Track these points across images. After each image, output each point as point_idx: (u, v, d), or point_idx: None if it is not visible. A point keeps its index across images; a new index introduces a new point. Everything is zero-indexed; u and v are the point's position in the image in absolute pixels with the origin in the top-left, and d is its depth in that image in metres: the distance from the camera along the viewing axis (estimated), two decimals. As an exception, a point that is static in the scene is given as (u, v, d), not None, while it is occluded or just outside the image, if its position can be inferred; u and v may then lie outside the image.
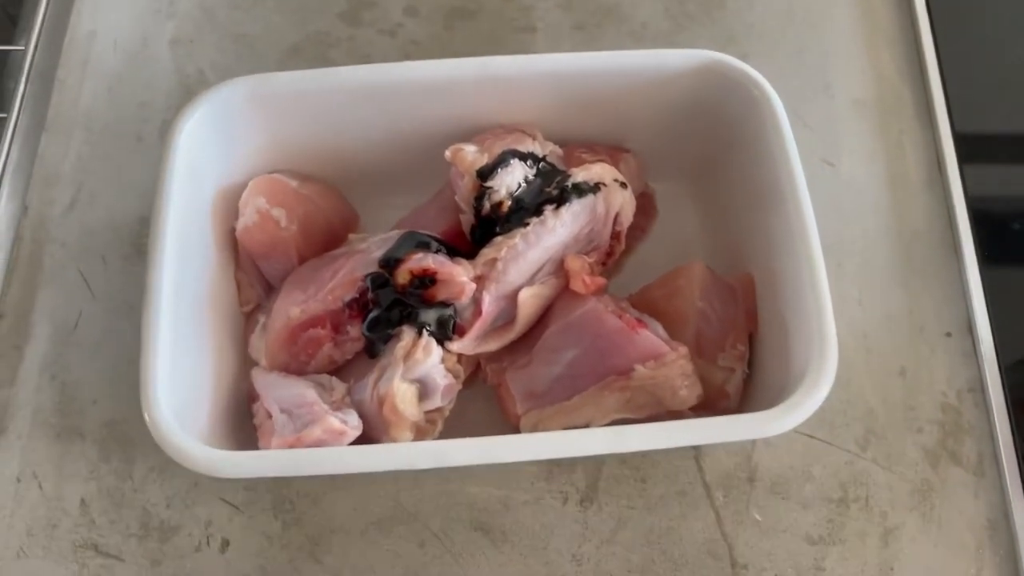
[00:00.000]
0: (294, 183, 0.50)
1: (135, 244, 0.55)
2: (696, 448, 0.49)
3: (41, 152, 0.58)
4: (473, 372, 0.48)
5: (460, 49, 0.62)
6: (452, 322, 0.45)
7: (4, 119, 0.58)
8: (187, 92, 0.60)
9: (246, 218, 0.48)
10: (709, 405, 0.46)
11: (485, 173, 0.46)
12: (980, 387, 0.51)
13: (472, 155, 0.47)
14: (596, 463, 0.49)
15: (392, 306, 0.45)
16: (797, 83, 0.60)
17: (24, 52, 0.60)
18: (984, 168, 0.57)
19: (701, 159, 0.53)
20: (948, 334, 0.52)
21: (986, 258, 0.53)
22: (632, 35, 0.63)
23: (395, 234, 0.47)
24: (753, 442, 0.49)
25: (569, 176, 0.47)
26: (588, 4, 0.64)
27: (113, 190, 0.56)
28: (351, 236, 0.50)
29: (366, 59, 0.61)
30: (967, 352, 0.52)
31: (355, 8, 0.63)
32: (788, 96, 0.48)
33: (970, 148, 0.57)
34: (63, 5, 0.62)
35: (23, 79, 0.59)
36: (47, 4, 0.62)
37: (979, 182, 0.56)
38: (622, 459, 0.49)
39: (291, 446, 0.41)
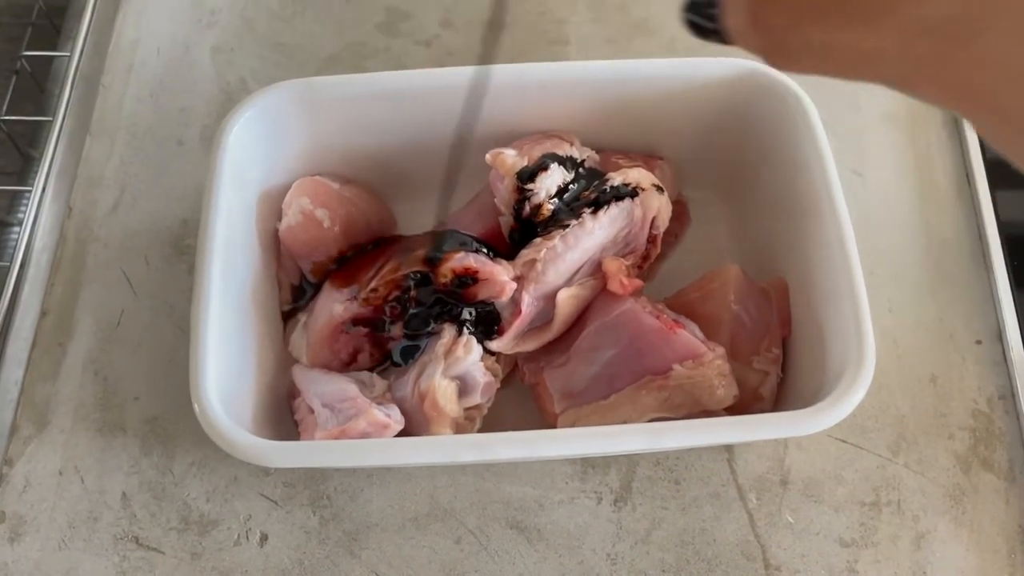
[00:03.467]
0: (336, 185, 0.51)
1: (176, 245, 0.56)
2: (729, 451, 0.50)
3: (85, 155, 0.59)
4: (510, 372, 0.49)
5: (494, 60, 0.63)
6: (493, 321, 0.46)
7: (50, 123, 0.59)
8: (228, 99, 0.61)
9: (290, 218, 0.49)
10: (743, 408, 0.46)
11: (525, 176, 0.47)
12: (1011, 394, 0.51)
13: (512, 158, 0.48)
14: (630, 464, 0.49)
15: (433, 304, 0.46)
16: (825, 96, 0.61)
17: (69, 59, 0.61)
18: (1013, 178, 0.57)
19: (734, 167, 0.54)
20: (978, 342, 0.53)
21: (1015, 267, 0.54)
22: (662, 48, 0.64)
23: (435, 233, 0.48)
24: (785, 445, 0.50)
25: (607, 180, 0.48)
26: (618, 18, 0.65)
27: (155, 192, 0.58)
28: (391, 237, 0.51)
29: (402, 69, 0.62)
30: (997, 360, 0.52)
31: (392, 19, 0.64)
32: (818, 109, 0.49)
33: (998, 160, 0.58)
34: (108, 14, 0.64)
35: (68, 84, 0.60)
36: (92, 13, 0.63)
37: (1008, 192, 0.57)
38: (656, 460, 0.49)
39: (335, 439, 0.42)
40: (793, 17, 0.25)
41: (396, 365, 0.47)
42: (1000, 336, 0.53)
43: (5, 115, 0.60)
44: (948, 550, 0.47)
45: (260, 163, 0.50)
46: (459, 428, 0.45)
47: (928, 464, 0.49)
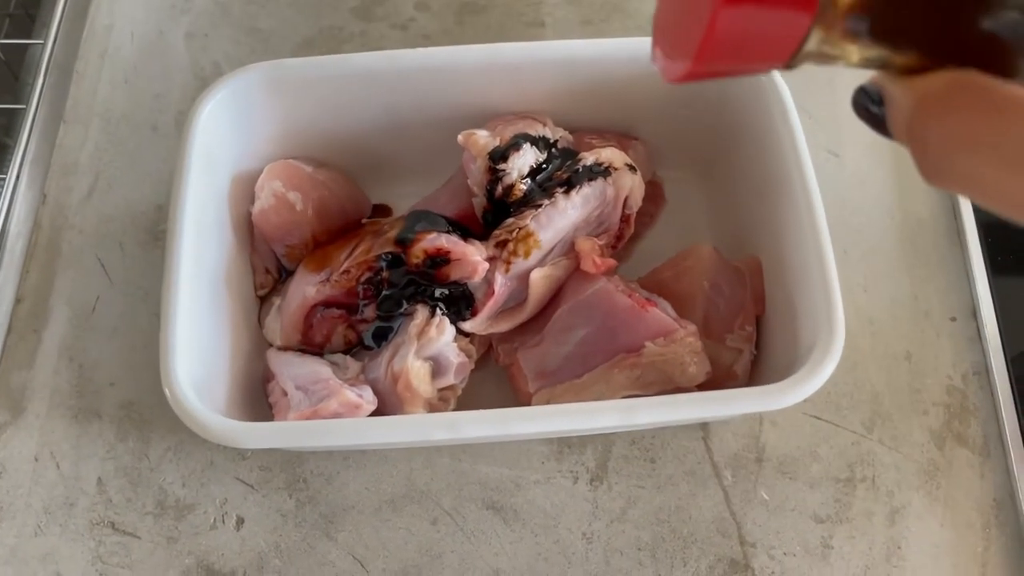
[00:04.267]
0: (309, 168, 0.51)
1: (151, 231, 0.56)
2: (704, 429, 0.50)
3: (59, 142, 0.59)
4: (484, 353, 0.49)
5: (470, 43, 0.62)
6: (466, 301, 0.46)
7: (23, 110, 0.59)
8: (202, 84, 0.61)
9: (262, 201, 0.49)
10: (717, 386, 0.47)
11: (497, 156, 0.47)
12: (985, 370, 0.51)
13: (484, 139, 0.48)
14: (606, 443, 0.49)
15: (405, 286, 0.46)
16: (800, 76, 0.61)
17: (42, 46, 0.61)
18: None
19: (708, 148, 0.54)
20: (953, 319, 0.53)
21: (990, 244, 0.54)
22: (639, 29, 0.64)
23: (407, 215, 0.48)
24: (760, 423, 0.50)
25: (580, 159, 0.48)
26: (595, 0, 0.65)
27: (129, 178, 0.57)
28: (364, 220, 0.51)
29: (377, 52, 0.62)
30: (971, 336, 0.52)
31: (367, 3, 0.64)
32: (792, 89, 0.49)
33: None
34: (82, 1, 0.64)
35: (42, 72, 0.60)
36: (66, 0, 0.63)
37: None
38: (631, 439, 0.50)
39: (308, 419, 0.42)
40: (945, 141, 0.25)
41: (368, 349, 0.47)
42: (974, 313, 0.53)
43: (-22, 104, 0.60)
44: (923, 525, 0.48)
45: (232, 147, 0.49)
46: (433, 409, 0.45)
47: (902, 440, 0.50)
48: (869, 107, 0.28)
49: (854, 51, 0.26)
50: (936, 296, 0.54)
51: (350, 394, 0.42)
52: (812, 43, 0.25)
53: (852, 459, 0.49)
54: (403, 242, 0.46)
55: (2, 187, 0.56)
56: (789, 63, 0.26)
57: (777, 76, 0.49)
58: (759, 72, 0.29)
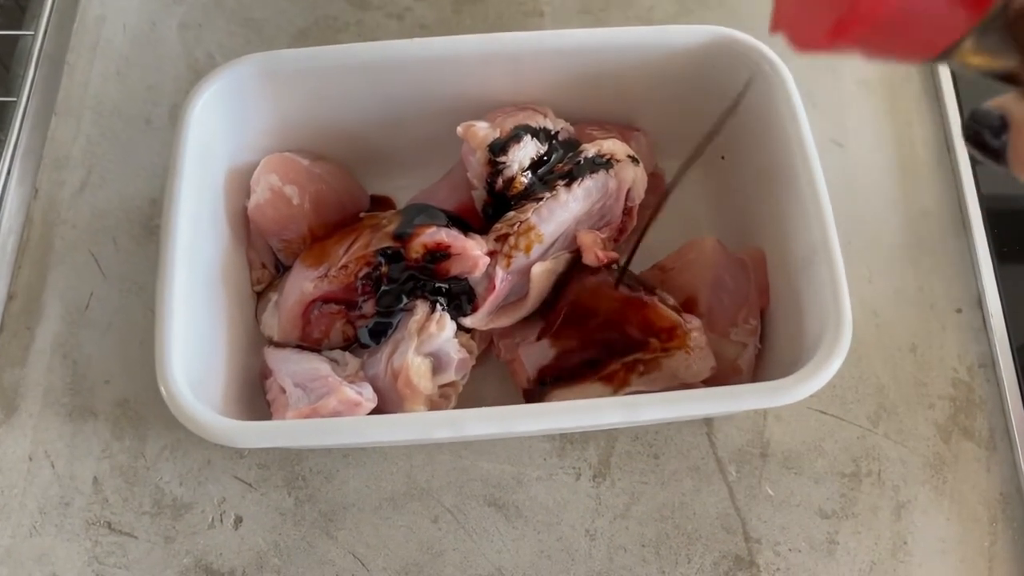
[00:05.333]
0: (305, 162, 0.50)
1: (145, 225, 0.55)
2: (708, 424, 0.49)
3: (51, 135, 0.58)
4: (485, 349, 0.48)
5: (468, 32, 0.61)
6: (466, 296, 0.45)
7: (14, 103, 0.58)
8: (196, 75, 0.60)
9: (258, 195, 0.48)
10: (721, 380, 0.46)
11: (497, 149, 0.47)
12: (991, 362, 0.51)
13: (484, 131, 0.47)
14: (608, 439, 0.49)
15: (405, 281, 0.45)
16: (804, 64, 0.60)
17: (33, 37, 0.60)
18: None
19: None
20: (958, 310, 0.52)
21: (995, 234, 0.53)
22: (639, 19, 0.63)
23: (405, 209, 0.47)
24: (765, 418, 0.49)
25: (582, 151, 0.47)
26: (595, -12, 0.64)
27: (123, 172, 0.56)
28: (362, 215, 0.50)
29: (374, 42, 0.61)
30: (977, 328, 0.52)
31: (363, -8, 0.63)
32: (795, 77, 0.48)
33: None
34: (72, -9, 0.63)
35: (33, 64, 0.59)
36: (56, -10, 0.62)
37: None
38: (634, 435, 0.49)
39: (306, 417, 0.41)
40: None
41: (364, 347, 0.46)
42: (980, 304, 0.52)
43: (-32, 97, 0.59)
44: (929, 520, 0.47)
45: (227, 140, 0.49)
46: (434, 406, 0.44)
47: (908, 434, 0.49)
48: (985, 137, 0.26)
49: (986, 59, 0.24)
50: (941, 287, 0.53)
51: (350, 392, 0.41)
52: (969, 42, 0.23)
53: (857, 453, 0.49)
54: (401, 237, 0.45)
55: (-7, 181, 0.55)
56: (938, 58, 0.24)
57: (780, 63, 0.48)
58: (897, 61, 0.27)
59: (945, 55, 0.24)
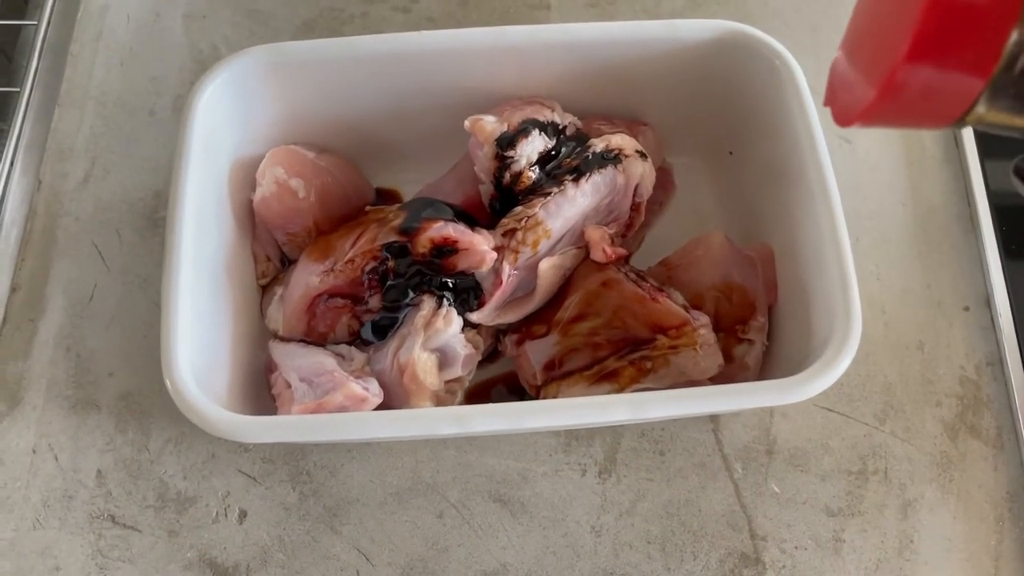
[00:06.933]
0: (311, 154, 0.50)
1: (149, 217, 0.54)
2: (714, 421, 0.49)
3: (54, 127, 0.57)
4: (492, 344, 0.48)
5: (474, 26, 0.61)
6: (473, 292, 0.45)
7: (17, 94, 0.57)
8: (200, 67, 0.59)
9: (264, 188, 0.48)
10: (729, 378, 0.46)
11: (505, 143, 0.46)
12: (999, 360, 0.50)
13: (492, 125, 0.46)
14: (614, 435, 0.49)
15: (411, 275, 0.45)
16: (812, 60, 0.60)
17: (36, 27, 0.60)
18: (1002, 143, 0.57)
19: (719, 133, 0.53)
20: (966, 308, 0.52)
21: (1004, 232, 0.53)
22: (646, 12, 0.63)
23: (412, 203, 0.47)
24: (771, 415, 0.49)
25: (589, 146, 0.47)
26: (601, -18, 0.64)
27: (126, 164, 0.56)
28: (368, 208, 0.50)
29: (380, 35, 0.61)
30: (985, 326, 0.52)
31: (369, -16, 0.63)
32: (804, 72, 0.48)
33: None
34: (76, -20, 0.62)
35: (36, 54, 0.59)
36: (60, -20, 0.61)
37: (996, 157, 0.56)
38: (640, 432, 0.49)
39: (312, 413, 0.41)
40: None
41: (367, 343, 0.46)
42: (988, 302, 0.52)
43: (-29, 87, 0.59)
44: (935, 518, 0.47)
45: (232, 132, 0.48)
46: (440, 401, 0.44)
47: (915, 432, 0.49)
48: None
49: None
50: (949, 285, 0.53)
51: (356, 387, 0.41)
52: (981, 106, 0.26)
53: (864, 451, 0.48)
54: (408, 231, 0.44)
55: (-4, 173, 0.55)
56: (957, 123, 0.28)
57: (791, 58, 0.47)
58: (923, 128, 0.31)
59: (963, 120, 0.27)
